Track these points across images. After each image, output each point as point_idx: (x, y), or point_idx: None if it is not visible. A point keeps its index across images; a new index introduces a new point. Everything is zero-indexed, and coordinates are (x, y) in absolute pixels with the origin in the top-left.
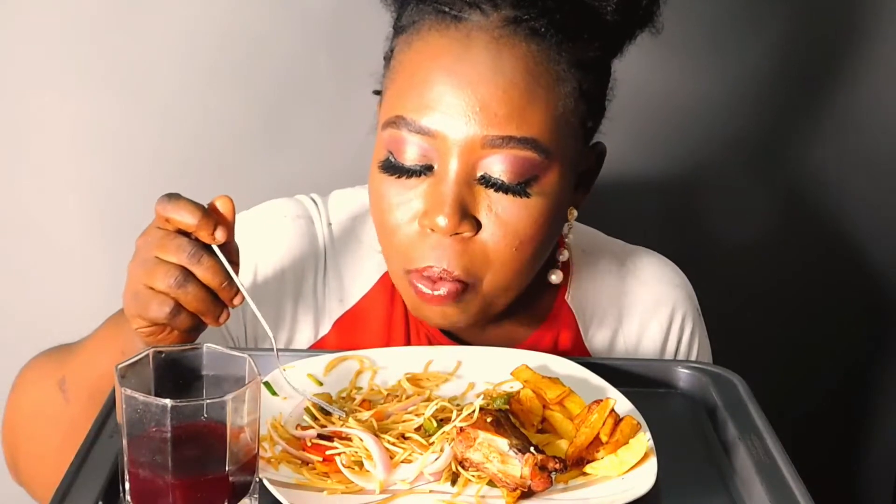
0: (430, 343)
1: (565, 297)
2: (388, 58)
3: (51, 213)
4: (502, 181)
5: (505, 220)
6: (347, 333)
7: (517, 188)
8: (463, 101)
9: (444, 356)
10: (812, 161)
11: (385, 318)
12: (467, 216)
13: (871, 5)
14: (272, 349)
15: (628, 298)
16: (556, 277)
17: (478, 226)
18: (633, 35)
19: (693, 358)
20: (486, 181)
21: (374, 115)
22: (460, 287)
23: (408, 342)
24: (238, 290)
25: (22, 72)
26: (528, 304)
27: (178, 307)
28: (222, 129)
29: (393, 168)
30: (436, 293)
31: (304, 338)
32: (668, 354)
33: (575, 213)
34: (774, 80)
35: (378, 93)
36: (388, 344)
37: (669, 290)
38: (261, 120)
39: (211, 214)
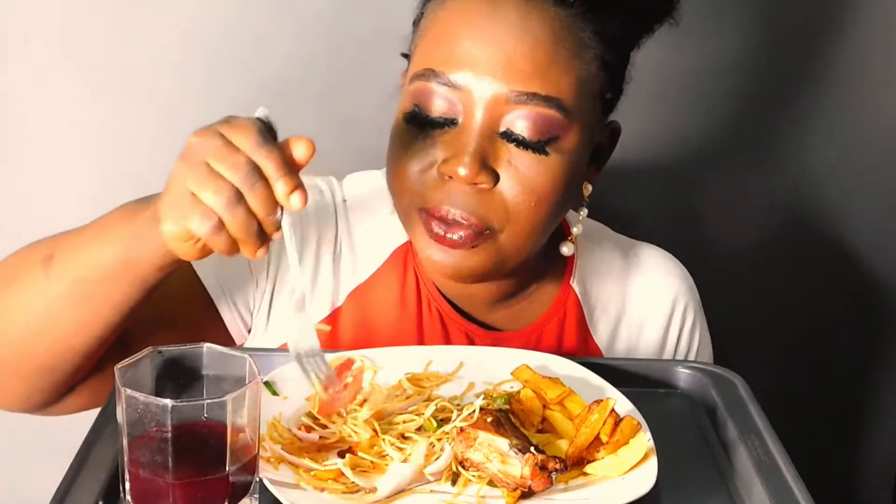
0: (442, 318)
1: (570, 281)
2: (418, 20)
3: (51, 214)
4: (524, 137)
5: (524, 175)
6: (361, 306)
7: (538, 145)
8: (490, 57)
9: (445, 356)
10: (813, 161)
11: (399, 291)
12: (486, 167)
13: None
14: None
15: (631, 287)
16: (567, 249)
17: (496, 178)
18: (653, 25)
19: (694, 349)
20: (509, 136)
21: (399, 77)
22: (475, 234)
23: (420, 315)
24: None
25: (22, 72)
26: (534, 285)
27: (221, 226)
28: None
29: (418, 119)
30: (450, 236)
31: (321, 304)
32: (670, 344)
33: (590, 188)
34: (776, 78)
35: (406, 56)
36: (401, 317)
37: (672, 280)
38: None
39: (295, 174)
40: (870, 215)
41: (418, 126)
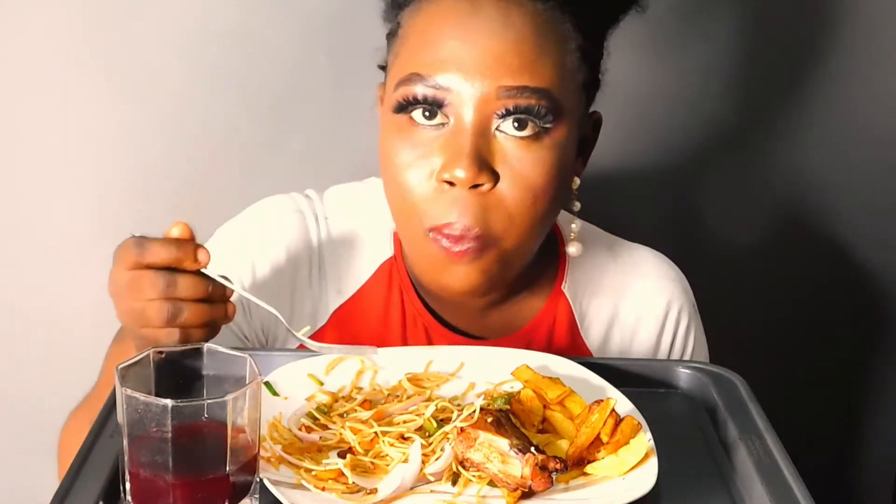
0: (427, 332)
1: (562, 286)
2: (394, 31)
3: (51, 215)
4: (518, 131)
5: (520, 171)
6: (345, 324)
7: (532, 138)
8: (475, 55)
9: (445, 356)
10: (812, 161)
11: (382, 307)
12: (486, 167)
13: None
14: (285, 337)
15: (624, 290)
16: (574, 249)
17: (496, 178)
18: (618, 15)
19: (688, 352)
20: (503, 132)
21: (375, 91)
22: (480, 244)
23: (404, 331)
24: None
25: (22, 73)
26: (525, 291)
27: (187, 331)
28: (222, 130)
29: (408, 122)
30: (457, 248)
31: (301, 327)
32: (664, 347)
33: (577, 181)
34: (773, 77)
35: (383, 68)
36: (385, 334)
37: (665, 283)
38: (260, 120)
39: (187, 242)
40: (869, 215)
41: (408, 136)
